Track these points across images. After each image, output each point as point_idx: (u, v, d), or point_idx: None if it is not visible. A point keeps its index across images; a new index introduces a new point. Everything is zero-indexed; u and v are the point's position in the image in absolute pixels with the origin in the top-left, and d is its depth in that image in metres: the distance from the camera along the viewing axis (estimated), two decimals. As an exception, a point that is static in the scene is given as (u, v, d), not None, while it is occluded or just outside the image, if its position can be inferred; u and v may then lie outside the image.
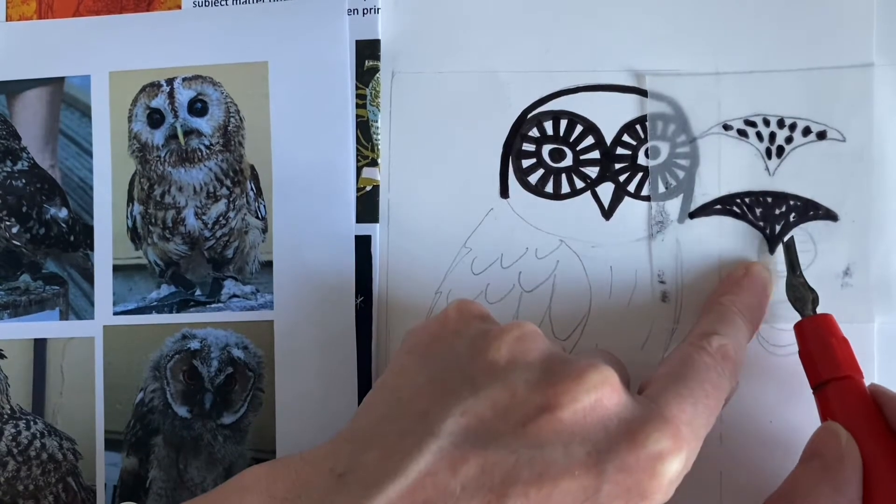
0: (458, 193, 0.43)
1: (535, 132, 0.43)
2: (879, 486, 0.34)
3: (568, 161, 0.43)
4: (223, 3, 0.46)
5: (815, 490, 0.34)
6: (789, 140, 0.41)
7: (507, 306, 0.42)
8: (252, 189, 0.45)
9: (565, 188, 0.43)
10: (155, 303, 0.45)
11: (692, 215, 0.42)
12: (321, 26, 0.45)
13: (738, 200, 0.42)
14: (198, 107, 0.45)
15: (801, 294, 0.39)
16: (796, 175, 0.41)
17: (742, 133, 0.42)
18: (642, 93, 0.42)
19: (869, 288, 0.41)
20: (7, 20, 0.47)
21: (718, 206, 0.42)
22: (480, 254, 0.43)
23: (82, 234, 0.46)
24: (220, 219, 0.45)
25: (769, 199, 0.42)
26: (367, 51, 0.45)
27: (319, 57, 0.45)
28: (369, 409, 0.35)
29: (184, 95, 0.45)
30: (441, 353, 0.35)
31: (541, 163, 0.43)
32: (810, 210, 0.41)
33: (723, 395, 0.35)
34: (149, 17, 0.46)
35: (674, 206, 0.42)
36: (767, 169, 0.42)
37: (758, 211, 0.41)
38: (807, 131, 0.41)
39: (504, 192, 0.43)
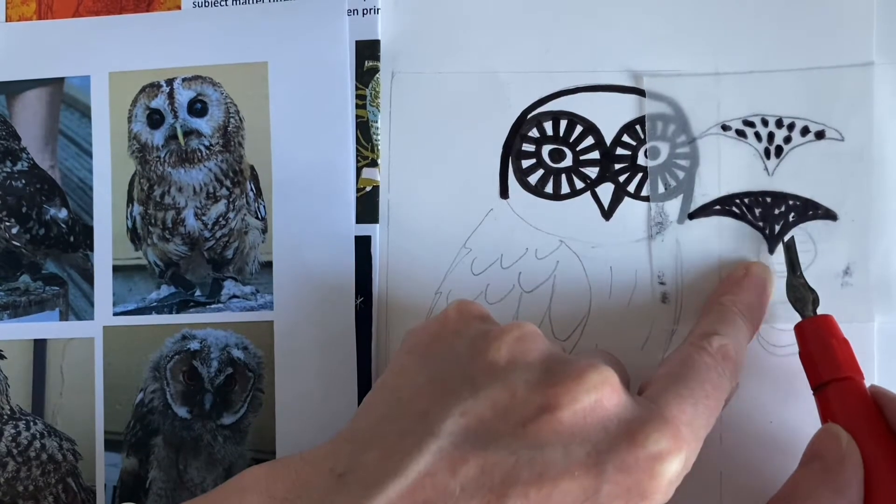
0: (458, 194, 0.43)
1: (534, 132, 0.43)
2: (880, 487, 0.34)
3: (568, 161, 0.43)
4: (223, 3, 0.46)
5: (815, 492, 0.34)
6: (788, 140, 0.41)
7: (507, 307, 0.42)
8: (252, 189, 0.45)
9: (565, 188, 0.43)
10: (155, 303, 0.45)
11: (692, 216, 0.42)
12: (321, 26, 0.45)
13: (738, 201, 0.42)
14: (198, 107, 0.45)
15: (801, 295, 0.39)
16: (795, 175, 0.41)
17: (740, 133, 0.42)
18: (642, 93, 0.42)
19: (869, 287, 0.41)
20: (7, 21, 0.47)
21: (718, 207, 0.42)
22: (480, 254, 0.43)
23: (82, 234, 0.46)
24: (220, 219, 0.45)
25: (768, 200, 0.42)
26: (367, 51, 0.45)
27: (319, 57, 0.45)
28: (369, 409, 0.35)
29: (183, 96, 0.45)
30: (441, 353, 0.35)
31: (541, 163, 0.43)
32: (810, 210, 0.41)
33: (723, 395, 0.35)
34: (149, 18, 0.46)
35: (673, 206, 0.42)
36: (766, 169, 0.42)
37: (757, 211, 0.41)
38: (805, 131, 0.41)
39: (504, 193, 0.43)
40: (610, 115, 0.43)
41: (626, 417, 0.32)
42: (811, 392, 0.37)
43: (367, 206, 0.44)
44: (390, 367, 0.36)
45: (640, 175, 0.42)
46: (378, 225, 0.44)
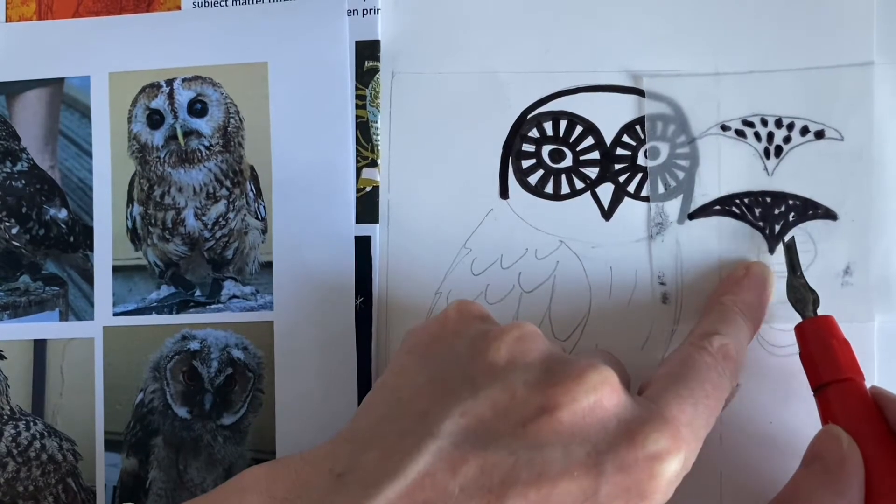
0: (458, 194, 0.43)
1: (534, 133, 0.43)
2: (881, 489, 0.34)
3: (568, 162, 0.43)
4: (223, 3, 0.46)
5: (816, 494, 0.34)
6: (787, 140, 0.41)
7: (507, 307, 0.42)
8: (252, 190, 0.45)
9: (565, 189, 0.43)
10: (155, 303, 0.45)
11: (692, 216, 0.42)
12: (321, 27, 0.45)
13: (738, 201, 0.42)
14: (197, 107, 0.45)
15: (801, 295, 0.39)
16: (795, 175, 0.41)
17: (740, 133, 0.42)
18: (642, 93, 0.42)
19: (869, 287, 0.41)
20: (7, 21, 0.47)
21: (718, 207, 0.42)
22: (480, 254, 0.43)
23: (82, 234, 0.46)
24: (220, 219, 0.45)
25: (768, 199, 0.42)
26: (367, 51, 0.45)
27: (319, 57, 0.45)
28: (369, 409, 0.35)
29: (183, 96, 0.45)
30: (441, 353, 0.35)
31: (541, 163, 0.43)
32: (809, 209, 0.41)
33: (723, 395, 0.35)
34: (148, 18, 0.46)
35: (673, 207, 0.42)
36: (766, 169, 0.42)
37: (757, 211, 0.41)
38: (805, 131, 0.41)
39: (504, 193, 0.43)
40: (610, 115, 0.43)
41: (625, 417, 0.32)
42: (811, 392, 0.37)
43: (367, 207, 0.44)
44: (390, 368, 0.36)
45: (640, 175, 0.42)
46: (378, 225, 0.44)
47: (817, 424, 0.36)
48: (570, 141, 0.43)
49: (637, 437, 0.31)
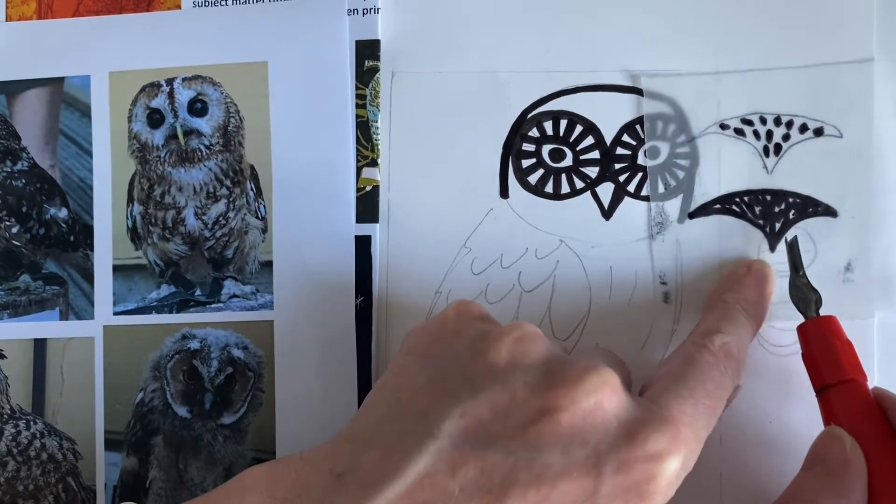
0: (458, 193, 0.43)
1: (534, 132, 0.43)
2: (884, 491, 0.34)
3: (568, 161, 0.43)
4: (223, 3, 0.46)
5: (818, 496, 0.34)
6: (786, 137, 0.41)
7: (507, 306, 0.42)
8: (252, 189, 0.45)
9: (565, 188, 0.43)
10: (155, 303, 0.45)
11: (692, 215, 0.42)
12: (321, 26, 0.45)
13: (738, 199, 0.42)
14: (198, 107, 0.45)
15: (804, 295, 0.39)
16: (794, 172, 0.41)
17: (739, 132, 0.42)
18: (642, 93, 0.42)
19: (870, 284, 0.41)
20: (7, 20, 0.47)
21: (718, 206, 0.42)
22: (480, 254, 0.43)
23: (82, 234, 0.46)
24: (220, 219, 0.45)
25: (768, 198, 0.41)
26: (367, 51, 0.44)
27: (319, 57, 0.45)
28: (369, 409, 0.35)
29: (184, 95, 0.45)
30: (441, 353, 0.35)
31: (541, 163, 0.43)
32: (809, 207, 0.41)
33: (725, 394, 0.35)
34: (149, 17, 0.46)
35: (673, 206, 0.42)
36: (766, 167, 0.42)
37: (757, 209, 0.41)
38: (804, 128, 0.41)
39: (504, 192, 0.43)
40: (610, 114, 0.43)
41: (625, 418, 0.32)
42: (812, 393, 0.37)
43: (367, 206, 0.44)
44: (390, 368, 0.36)
45: (640, 175, 0.42)
46: (378, 225, 0.44)
47: (818, 425, 0.36)
48: (571, 140, 0.43)
49: (637, 437, 0.31)
